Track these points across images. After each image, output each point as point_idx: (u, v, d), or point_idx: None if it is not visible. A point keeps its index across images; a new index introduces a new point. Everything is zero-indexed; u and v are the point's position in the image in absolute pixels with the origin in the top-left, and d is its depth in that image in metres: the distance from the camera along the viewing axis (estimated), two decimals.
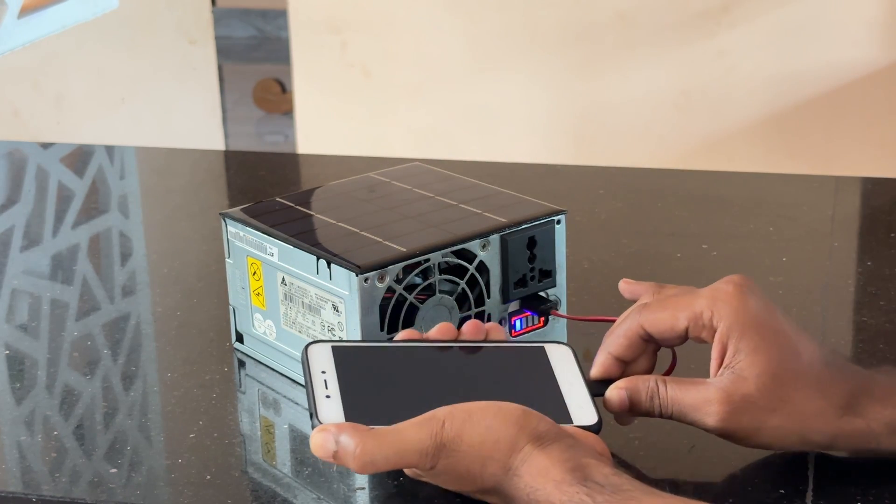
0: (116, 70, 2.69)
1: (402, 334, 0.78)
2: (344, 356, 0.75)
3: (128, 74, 2.70)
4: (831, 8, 2.20)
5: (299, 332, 0.85)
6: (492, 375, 0.76)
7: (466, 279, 0.83)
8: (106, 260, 1.12)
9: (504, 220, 0.85)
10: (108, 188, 1.30)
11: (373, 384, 0.74)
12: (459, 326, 0.83)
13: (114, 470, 0.78)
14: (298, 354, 0.86)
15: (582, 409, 0.74)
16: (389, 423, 0.70)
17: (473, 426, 0.67)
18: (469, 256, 0.83)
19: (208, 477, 0.77)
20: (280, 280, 0.86)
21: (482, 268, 0.84)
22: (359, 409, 0.72)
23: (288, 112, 3.48)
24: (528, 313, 0.87)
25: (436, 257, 0.82)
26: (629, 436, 0.79)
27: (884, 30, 2.21)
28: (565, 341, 0.80)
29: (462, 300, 0.84)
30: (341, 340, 0.79)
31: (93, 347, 0.95)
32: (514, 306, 0.86)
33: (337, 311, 0.81)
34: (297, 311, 0.85)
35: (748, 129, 2.30)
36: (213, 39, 2.74)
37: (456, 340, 0.78)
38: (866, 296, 0.99)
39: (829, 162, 2.28)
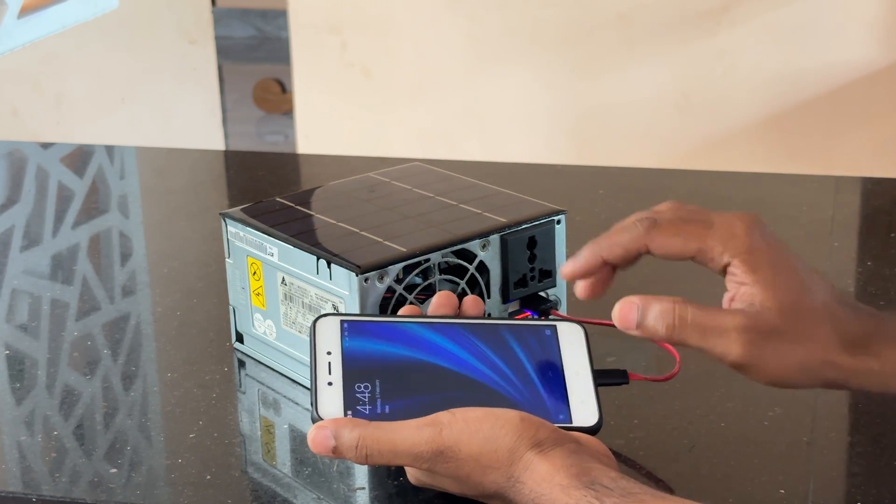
0: (116, 70, 2.69)
1: (404, 310, 0.78)
2: (351, 332, 0.75)
3: (128, 74, 2.70)
4: (831, 8, 2.20)
5: (299, 332, 0.85)
6: (498, 360, 0.76)
7: (466, 279, 0.83)
8: (106, 260, 1.12)
9: (504, 220, 0.85)
10: (108, 188, 1.30)
11: (377, 367, 0.74)
12: None
13: (114, 470, 0.78)
14: (298, 354, 0.86)
15: (584, 405, 0.73)
16: (390, 413, 0.70)
17: (472, 436, 0.67)
18: (469, 256, 0.83)
19: (208, 477, 0.77)
20: (280, 280, 0.86)
21: (482, 268, 0.84)
22: (360, 398, 0.72)
23: (288, 112, 3.48)
24: (528, 313, 0.87)
25: (436, 257, 0.82)
26: (629, 436, 0.79)
27: (884, 30, 2.21)
28: (578, 321, 0.79)
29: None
30: (350, 314, 0.78)
31: (93, 347, 0.95)
32: (514, 306, 0.86)
33: (337, 311, 0.81)
34: (297, 311, 0.85)
35: (748, 129, 2.30)
36: (213, 39, 2.74)
37: (466, 317, 0.77)
38: (866, 296, 0.99)
39: (829, 162, 2.28)
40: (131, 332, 0.98)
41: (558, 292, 0.88)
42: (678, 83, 2.30)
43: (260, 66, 4.25)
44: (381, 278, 0.80)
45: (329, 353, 0.74)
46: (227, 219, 0.89)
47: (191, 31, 2.72)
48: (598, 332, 0.81)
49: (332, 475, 0.77)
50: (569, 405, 0.73)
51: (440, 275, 0.82)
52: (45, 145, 1.42)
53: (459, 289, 0.83)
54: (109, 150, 1.40)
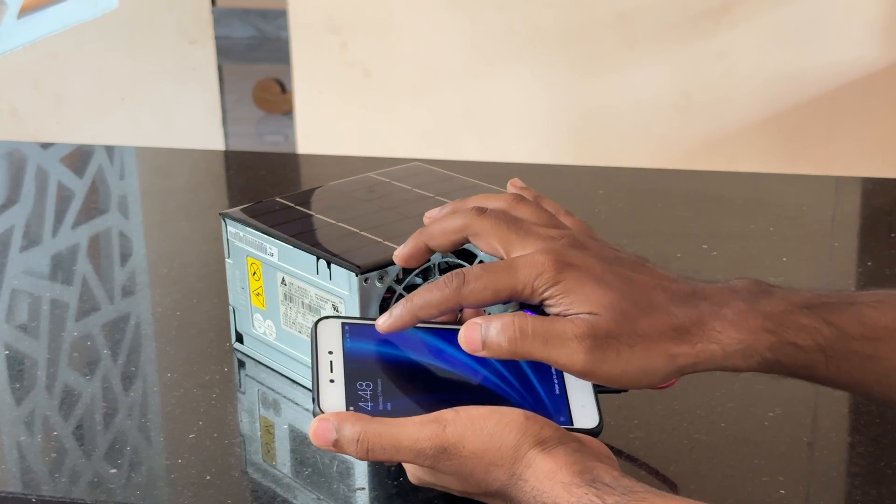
0: (116, 70, 2.69)
1: None
2: (353, 333, 0.75)
3: (128, 74, 2.70)
4: (831, 8, 2.20)
5: (299, 332, 0.85)
6: (499, 364, 0.76)
7: None
8: (106, 260, 1.12)
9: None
10: (108, 188, 1.30)
11: (379, 368, 0.74)
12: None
13: (113, 470, 0.78)
14: (298, 355, 0.86)
15: (584, 409, 0.73)
16: (392, 410, 0.70)
17: (476, 433, 0.67)
18: (469, 256, 0.83)
19: (208, 477, 0.77)
20: (280, 280, 0.86)
21: None
22: (362, 395, 0.72)
23: (288, 112, 3.48)
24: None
25: (436, 257, 0.82)
26: (629, 436, 0.79)
27: (884, 30, 2.21)
28: None
29: None
30: (351, 317, 0.79)
31: (93, 347, 0.95)
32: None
33: (337, 311, 0.81)
34: (297, 311, 0.85)
35: (748, 129, 2.30)
36: (213, 39, 2.74)
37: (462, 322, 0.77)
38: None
39: (829, 162, 2.28)
40: (131, 332, 0.98)
41: None
42: (678, 83, 2.30)
43: (260, 66, 4.25)
44: (381, 278, 0.80)
45: (331, 352, 0.74)
46: (227, 219, 0.89)
47: (191, 31, 2.73)
48: None
49: (332, 475, 0.77)
50: (569, 408, 0.74)
51: (440, 275, 0.82)
52: (45, 145, 1.42)
53: None
54: (109, 150, 1.40)
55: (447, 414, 0.68)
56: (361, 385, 0.72)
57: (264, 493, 0.76)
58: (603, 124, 2.35)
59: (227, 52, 4.08)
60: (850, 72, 2.23)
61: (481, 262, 0.84)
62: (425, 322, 0.76)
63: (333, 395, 0.71)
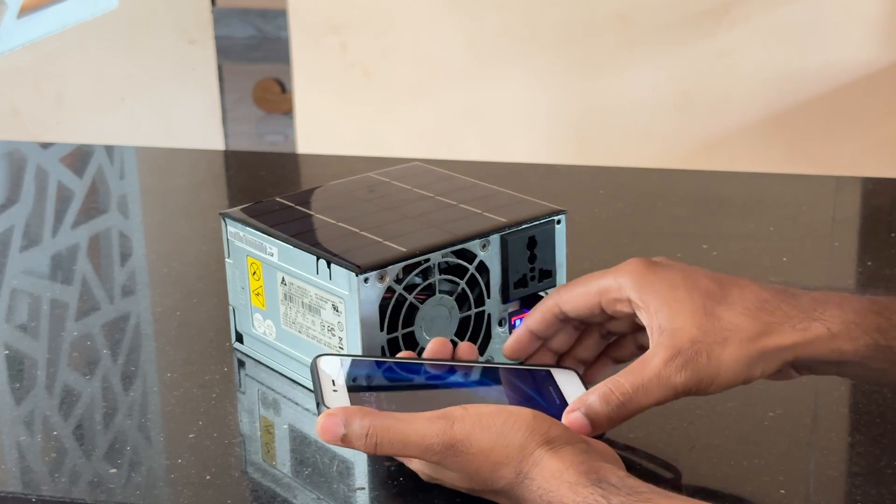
0: (116, 70, 2.69)
1: (400, 355, 0.78)
2: (352, 368, 0.76)
3: (128, 74, 2.70)
4: (831, 8, 2.20)
5: (299, 332, 0.85)
6: (499, 391, 0.77)
7: (466, 279, 0.83)
8: (106, 260, 1.12)
9: (504, 220, 0.85)
10: (107, 188, 1.30)
11: (381, 387, 0.76)
12: (459, 326, 0.83)
13: (113, 470, 0.78)
14: (298, 354, 0.86)
15: None
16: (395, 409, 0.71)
17: (484, 430, 0.68)
18: (469, 256, 0.83)
19: (208, 477, 0.77)
20: (280, 280, 0.86)
21: (482, 268, 0.84)
22: (366, 402, 0.73)
23: (288, 112, 3.48)
24: (528, 313, 0.87)
25: (436, 257, 0.82)
26: (629, 436, 0.79)
27: (884, 30, 2.21)
28: (571, 367, 0.81)
29: (462, 300, 0.84)
30: (350, 354, 0.79)
31: (93, 347, 0.95)
32: (514, 306, 0.86)
33: (337, 311, 0.81)
34: (297, 311, 0.85)
35: (748, 129, 2.30)
36: (213, 39, 2.74)
37: (461, 360, 0.79)
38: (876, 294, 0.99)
39: (829, 162, 2.28)
40: (131, 332, 0.98)
41: None
42: (678, 83, 2.30)
43: (260, 66, 4.25)
44: (381, 278, 0.80)
45: (333, 381, 0.75)
46: (226, 219, 0.89)
47: (191, 31, 2.72)
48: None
49: (332, 475, 0.77)
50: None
51: (440, 275, 0.82)
52: (45, 145, 1.42)
53: (459, 289, 0.83)
54: (109, 150, 1.40)
55: (456, 411, 0.68)
56: (365, 395, 0.73)
57: (264, 493, 0.76)
58: (603, 124, 2.35)
59: (227, 52, 4.07)
60: (850, 72, 2.23)
61: (481, 261, 0.84)
62: (429, 359, 0.78)
63: (339, 399, 0.72)
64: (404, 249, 0.81)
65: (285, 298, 0.86)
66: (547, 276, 0.87)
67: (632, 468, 0.76)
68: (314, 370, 0.75)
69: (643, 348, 0.77)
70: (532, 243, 0.86)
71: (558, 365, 0.81)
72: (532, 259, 0.86)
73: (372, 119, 2.44)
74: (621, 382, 0.72)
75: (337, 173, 1.06)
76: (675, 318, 0.72)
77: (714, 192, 1.21)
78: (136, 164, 1.40)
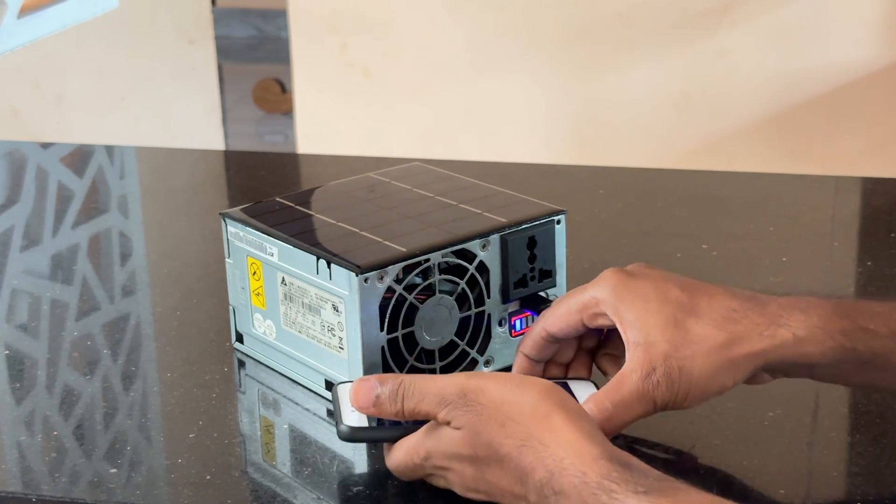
0: (116, 70, 2.69)
1: None
2: None
3: (128, 74, 2.70)
4: (831, 8, 2.20)
5: (299, 332, 0.85)
6: None
7: (466, 279, 0.83)
8: (106, 260, 1.12)
9: (504, 220, 0.85)
10: (108, 188, 1.30)
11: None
12: (459, 326, 0.83)
13: (114, 470, 0.78)
14: (298, 354, 0.86)
15: None
16: (414, 424, 0.73)
17: (499, 385, 0.68)
18: (469, 256, 0.83)
19: (208, 477, 0.77)
20: (280, 280, 0.86)
21: (482, 268, 0.84)
22: (381, 422, 0.74)
23: (288, 112, 3.48)
24: (528, 313, 0.87)
25: (436, 257, 0.82)
26: (629, 436, 0.79)
27: (884, 30, 2.21)
28: (587, 378, 0.81)
29: (462, 300, 0.84)
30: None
31: (93, 347, 0.95)
32: (514, 306, 0.86)
33: (337, 311, 0.81)
34: (297, 311, 0.85)
35: (748, 129, 2.30)
36: (213, 39, 2.74)
37: None
38: (866, 296, 0.99)
39: (829, 162, 2.28)
40: (131, 332, 0.98)
41: (558, 292, 0.88)
42: (678, 83, 2.30)
43: (260, 66, 4.25)
44: (381, 278, 0.80)
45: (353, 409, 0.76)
46: (227, 219, 0.89)
47: (191, 31, 2.73)
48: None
49: (332, 475, 0.77)
50: None
51: (440, 275, 0.82)
52: (45, 145, 1.42)
53: (459, 289, 0.83)
54: (109, 150, 1.40)
55: (469, 373, 0.70)
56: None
57: (264, 493, 0.76)
58: (603, 124, 2.35)
59: (227, 52, 4.07)
60: (850, 72, 2.23)
61: (481, 261, 0.84)
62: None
63: (357, 416, 0.74)
64: (404, 249, 0.81)
65: (285, 298, 0.86)
66: (547, 276, 0.87)
67: None
68: (334, 395, 0.77)
69: None
70: (532, 243, 0.86)
71: (575, 377, 0.81)
72: (532, 259, 0.86)
73: (372, 119, 2.44)
74: (602, 400, 0.73)
75: (337, 173, 1.06)
76: (648, 331, 0.73)
77: (714, 192, 1.21)
78: (136, 164, 1.40)
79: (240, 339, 0.91)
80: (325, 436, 0.81)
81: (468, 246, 0.83)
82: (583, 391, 0.79)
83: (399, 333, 0.81)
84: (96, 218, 1.22)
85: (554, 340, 0.80)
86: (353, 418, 0.74)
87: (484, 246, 0.84)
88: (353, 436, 0.74)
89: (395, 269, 0.80)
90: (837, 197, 1.21)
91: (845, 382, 0.78)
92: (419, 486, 0.74)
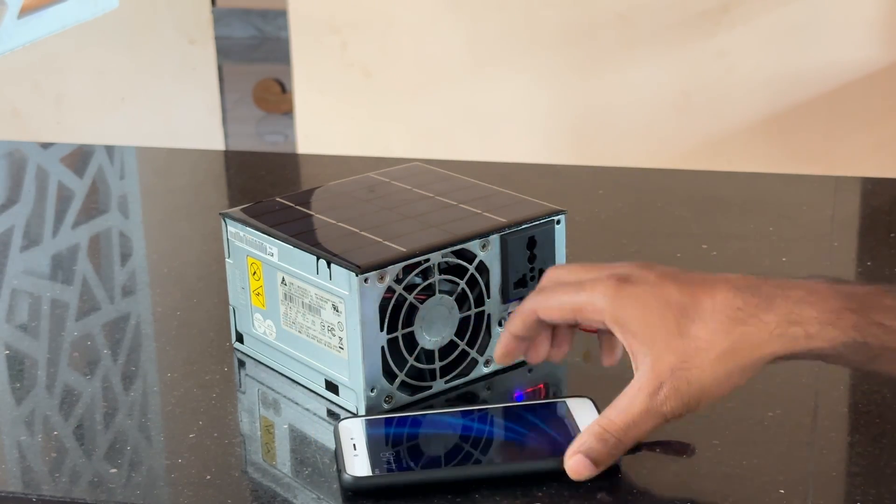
0: (116, 70, 2.69)
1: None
2: (372, 428, 0.79)
3: (128, 74, 2.70)
4: (831, 8, 2.20)
5: (299, 332, 0.85)
6: (516, 428, 0.79)
7: (466, 279, 0.83)
8: (106, 260, 1.12)
9: (504, 220, 0.85)
10: (108, 188, 1.30)
11: (400, 440, 0.78)
12: (459, 326, 0.83)
13: (114, 470, 0.78)
14: (298, 355, 0.86)
15: None
16: (416, 468, 0.74)
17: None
18: (469, 256, 0.83)
19: (208, 477, 0.77)
20: (280, 280, 0.86)
21: (482, 268, 0.84)
22: (385, 460, 0.75)
23: (288, 112, 3.48)
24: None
25: (436, 257, 0.82)
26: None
27: (884, 30, 2.21)
28: (586, 395, 0.82)
29: (462, 300, 0.84)
30: (369, 416, 0.81)
31: (93, 347, 0.95)
32: (513, 306, 0.86)
33: (337, 311, 0.81)
34: (297, 311, 0.85)
35: (748, 129, 2.30)
36: (213, 39, 2.74)
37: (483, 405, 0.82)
38: (875, 282, 0.99)
39: (829, 162, 2.28)
40: (131, 332, 0.98)
41: None
42: (678, 83, 2.30)
43: (260, 66, 4.25)
44: (380, 278, 0.80)
45: (354, 445, 0.77)
46: (227, 219, 0.89)
47: (191, 31, 2.73)
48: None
49: (332, 475, 0.77)
50: None
51: (440, 275, 0.82)
52: (45, 145, 1.42)
53: (459, 289, 0.83)
54: (109, 150, 1.40)
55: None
56: (384, 454, 0.76)
57: (264, 493, 0.76)
58: (603, 124, 2.35)
59: (227, 52, 4.07)
60: (850, 72, 2.23)
61: (481, 261, 0.84)
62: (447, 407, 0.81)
63: (359, 462, 0.75)
64: (404, 249, 0.81)
65: (285, 298, 0.86)
66: None
67: (632, 467, 0.76)
68: (336, 435, 0.78)
69: None
70: (532, 243, 0.86)
71: (573, 395, 0.81)
72: (532, 259, 0.86)
73: (372, 119, 2.44)
74: (613, 421, 0.73)
75: (337, 173, 1.06)
76: (652, 343, 0.72)
77: (714, 192, 1.21)
78: (136, 164, 1.40)
79: (240, 339, 0.91)
80: (325, 436, 0.81)
81: (468, 246, 0.83)
82: (581, 411, 0.79)
83: (399, 333, 0.81)
84: (96, 218, 1.22)
85: (543, 322, 0.79)
86: (358, 466, 0.74)
87: (484, 246, 0.84)
88: (358, 486, 0.74)
89: (395, 269, 0.80)
90: (837, 197, 1.21)
91: (854, 368, 0.78)
92: (421, 487, 0.74)
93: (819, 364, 0.76)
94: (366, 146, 2.43)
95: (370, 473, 0.74)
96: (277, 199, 0.91)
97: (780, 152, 2.30)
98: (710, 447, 0.78)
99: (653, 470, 0.76)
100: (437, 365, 0.84)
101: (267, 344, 0.89)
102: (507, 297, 0.85)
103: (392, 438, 0.78)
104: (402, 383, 0.82)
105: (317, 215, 0.89)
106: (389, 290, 0.80)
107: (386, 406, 0.82)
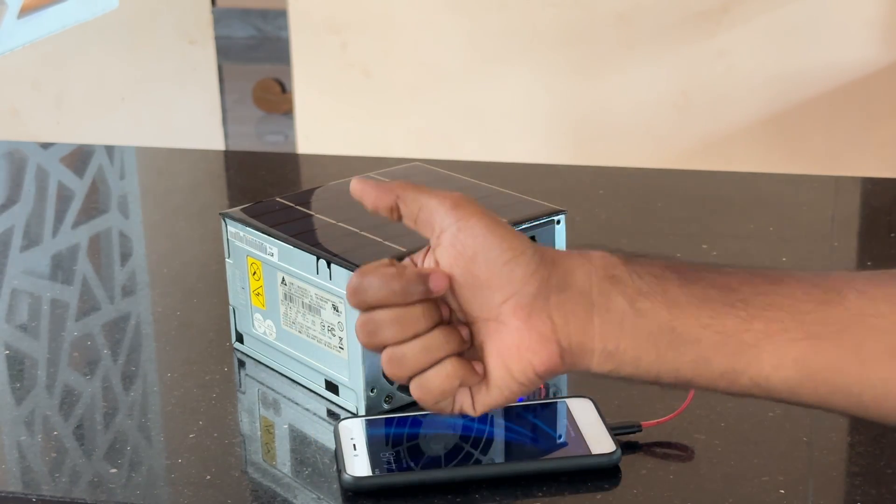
0: (116, 70, 2.69)
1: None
2: (371, 428, 0.79)
3: (128, 74, 2.70)
4: (831, 8, 2.20)
5: (299, 332, 0.85)
6: (516, 428, 0.79)
7: None
8: (106, 260, 1.12)
9: (504, 220, 0.85)
10: (108, 188, 1.30)
11: (400, 440, 0.78)
12: None
13: (114, 470, 0.78)
14: (298, 354, 0.86)
15: (601, 442, 0.76)
16: (416, 468, 0.75)
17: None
18: None
19: (208, 477, 0.77)
20: (280, 280, 0.86)
21: None
22: (385, 460, 0.75)
23: (288, 112, 3.48)
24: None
25: None
26: (629, 435, 0.79)
27: (884, 30, 2.21)
28: (585, 395, 0.82)
29: None
30: (369, 416, 0.81)
31: (93, 347, 0.95)
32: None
33: (337, 311, 0.81)
34: (297, 311, 0.85)
35: (748, 129, 2.30)
36: (213, 39, 2.74)
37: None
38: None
39: (829, 162, 2.28)
40: (131, 332, 0.98)
41: None
42: (678, 83, 2.29)
43: (260, 66, 4.25)
44: None
45: (354, 445, 0.77)
46: (227, 219, 0.89)
47: (191, 31, 2.73)
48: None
49: (332, 475, 0.77)
50: (587, 444, 0.76)
51: None
52: (45, 145, 1.42)
53: None
54: (109, 150, 1.40)
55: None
56: (384, 454, 0.76)
57: (264, 493, 0.76)
58: (602, 124, 2.35)
59: (227, 52, 4.07)
60: (850, 72, 2.23)
61: None
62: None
63: (359, 462, 0.75)
64: (404, 249, 0.81)
65: (285, 298, 0.86)
66: None
67: (631, 468, 0.76)
68: (336, 435, 0.78)
69: None
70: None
71: (573, 395, 0.81)
72: None
73: (372, 119, 2.44)
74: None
75: (337, 173, 1.06)
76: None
77: (714, 192, 1.21)
78: (136, 164, 1.40)
79: (240, 339, 0.91)
80: (325, 436, 0.81)
81: None
82: (581, 410, 0.80)
83: None
84: (96, 218, 1.22)
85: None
86: (358, 466, 0.75)
87: None
88: (358, 486, 0.74)
89: None
90: (837, 197, 1.21)
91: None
92: (419, 487, 0.74)
93: None
94: (366, 146, 2.43)
95: (370, 473, 0.74)
96: (277, 199, 0.91)
97: (780, 152, 2.30)
98: (710, 447, 0.78)
99: (653, 470, 0.76)
100: None
101: (267, 344, 0.89)
102: None
103: (392, 438, 0.78)
104: None
105: (317, 215, 0.89)
106: None
107: (386, 406, 0.82)
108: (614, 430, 0.77)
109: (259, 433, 0.83)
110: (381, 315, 0.66)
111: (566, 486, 0.74)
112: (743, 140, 2.30)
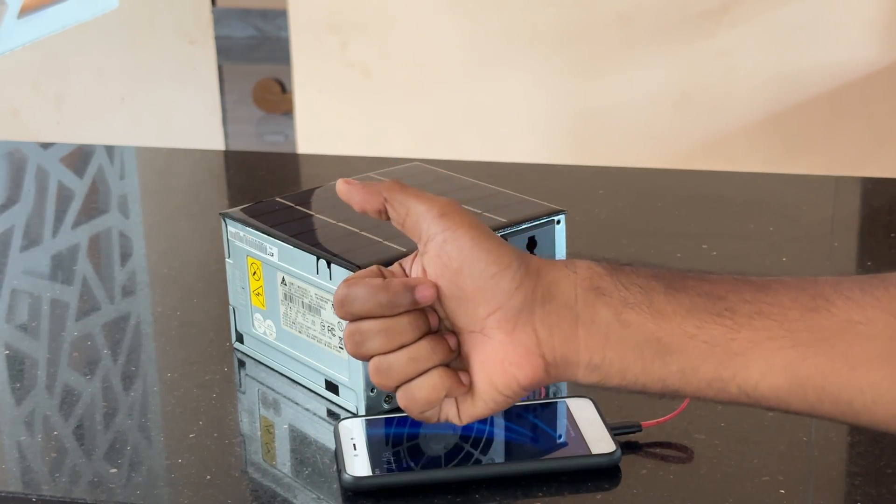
0: (116, 70, 2.69)
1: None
2: (372, 428, 0.79)
3: (128, 74, 2.70)
4: (831, 8, 2.20)
5: (299, 332, 0.85)
6: (516, 428, 0.79)
7: None
8: (106, 260, 1.12)
9: (504, 220, 0.85)
10: (108, 188, 1.30)
11: (400, 440, 0.78)
12: None
13: (114, 470, 0.78)
14: (298, 354, 0.86)
15: (601, 442, 0.76)
16: (415, 468, 0.75)
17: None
18: None
19: (208, 477, 0.77)
20: (280, 280, 0.86)
21: None
22: (385, 460, 0.75)
23: (288, 112, 3.48)
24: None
25: None
26: (629, 435, 0.79)
27: (884, 30, 2.21)
28: (585, 395, 0.82)
29: None
30: (369, 416, 0.81)
31: (93, 347, 0.95)
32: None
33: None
34: (297, 311, 0.85)
35: (748, 129, 2.30)
36: (213, 39, 2.74)
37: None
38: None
39: (829, 162, 2.28)
40: (131, 332, 0.98)
41: None
42: (678, 83, 2.30)
43: (260, 66, 4.25)
44: None
45: (354, 445, 0.77)
46: (227, 219, 0.89)
47: (191, 31, 2.73)
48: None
49: (332, 475, 0.77)
50: (587, 444, 0.76)
51: None
52: (45, 145, 1.42)
53: None
54: (109, 150, 1.40)
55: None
56: (384, 454, 0.76)
57: (264, 493, 0.76)
58: (602, 124, 2.35)
59: (227, 52, 4.07)
60: (850, 72, 2.23)
61: None
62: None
63: (359, 462, 0.75)
64: (404, 249, 0.81)
65: (285, 298, 0.86)
66: None
67: (631, 468, 0.76)
68: (336, 435, 0.78)
69: None
70: (532, 243, 0.86)
71: (573, 395, 0.82)
72: None
73: (372, 119, 2.44)
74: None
75: (337, 173, 1.06)
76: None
77: (714, 192, 1.21)
78: (136, 164, 1.40)
79: (240, 339, 0.91)
80: (325, 436, 0.81)
81: None
82: (581, 410, 0.80)
83: None
84: (96, 218, 1.22)
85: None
86: (358, 466, 0.75)
87: None
88: (358, 486, 0.74)
89: None
90: (837, 197, 1.21)
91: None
92: (419, 487, 0.74)
93: None
94: (366, 146, 2.43)
95: (370, 473, 0.74)
96: (277, 199, 0.91)
97: (780, 152, 2.30)
98: (709, 447, 0.78)
99: (653, 470, 0.76)
100: None
101: (267, 344, 0.89)
102: None
103: (392, 438, 0.78)
104: None
105: (317, 215, 0.89)
106: None
107: (386, 406, 0.82)
108: (614, 430, 0.77)
109: (259, 433, 0.83)
110: (368, 326, 0.66)
111: (566, 486, 0.74)
112: (743, 140, 2.30)
